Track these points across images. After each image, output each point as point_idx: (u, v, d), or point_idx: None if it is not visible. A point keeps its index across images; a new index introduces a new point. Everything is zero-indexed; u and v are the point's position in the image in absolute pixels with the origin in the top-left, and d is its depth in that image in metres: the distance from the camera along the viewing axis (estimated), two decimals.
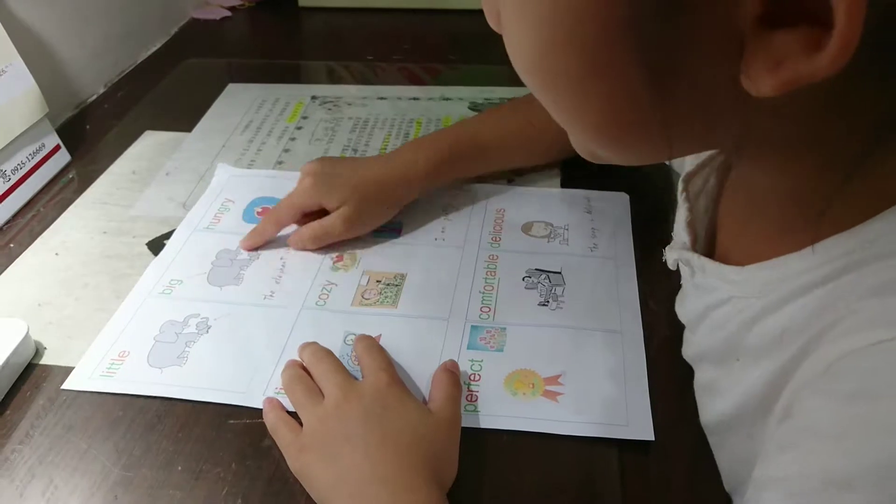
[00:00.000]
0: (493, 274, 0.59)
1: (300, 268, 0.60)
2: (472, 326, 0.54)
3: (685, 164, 0.49)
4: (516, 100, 0.68)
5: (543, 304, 0.56)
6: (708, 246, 0.43)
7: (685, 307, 0.45)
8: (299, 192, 0.61)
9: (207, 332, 0.54)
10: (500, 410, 0.48)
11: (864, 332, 0.26)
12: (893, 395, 0.24)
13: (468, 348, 0.52)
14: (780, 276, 0.33)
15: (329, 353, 0.50)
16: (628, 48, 0.26)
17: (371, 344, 0.51)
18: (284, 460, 0.45)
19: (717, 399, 0.40)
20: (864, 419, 0.25)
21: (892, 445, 0.23)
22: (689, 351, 0.46)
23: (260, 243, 0.62)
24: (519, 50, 0.30)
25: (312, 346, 0.50)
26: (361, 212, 0.60)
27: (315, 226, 0.61)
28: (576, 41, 0.27)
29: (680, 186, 0.43)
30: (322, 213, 0.61)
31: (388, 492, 0.40)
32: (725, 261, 0.38)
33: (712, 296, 0.39)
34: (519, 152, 0.68)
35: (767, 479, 0.27)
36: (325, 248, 0.62)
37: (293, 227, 0.63)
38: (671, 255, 0.43)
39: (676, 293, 0.50)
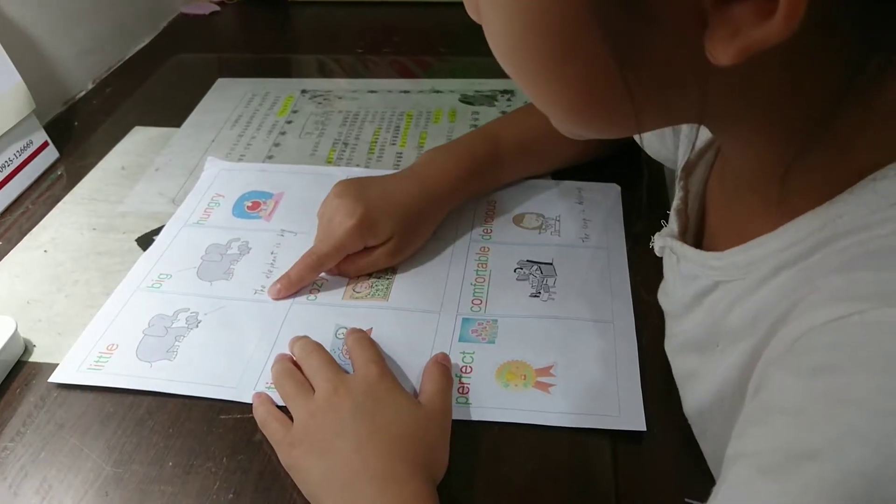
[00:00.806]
0: (484, 266, 0.59)
1: (291, 262, 0.59)
2: (464, 319, 0.54)
3: (679, 155, 0.49)
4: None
5: (535, 296, 0.56)
6: (698, 234, 0.43)
7: (670, 296, 0.45)
8: (343, 235, 0.55)
9: (197, 326, 0.54)
10: (492, 402, 0.48)
11: (824, 309, 0.26)
12: (852, 368, 0.25)
13: (460, 340, 0.52)
14: (756, 257, 0.33)
15: (319, 347, 0.50)
16: (594, 30, 0.27)
17: (362, 337, 0.50)
18: (276, 455, 0.45)
19: (697, 387, 0.40)
20: (824, 393, 0.25)
21: (851, 417, 0.24)
22: (672, 343, 0.46)
23: (295, 290, 0.56)
24: (496, 38, 0.31)
25: (303, 341, 0.50)
26: (406, 244, 0.58)
27: (362, 264, 0.57)
28: (544, 27, 0.28)
29: (679, 175, 0.43)
30: None
31: (377, 485, 0.40)
32: (714, 247, 0.38)
33: (698, 283, 0.39)
34: (554, 154, 0.67)
35: (737, 454, 0.28)
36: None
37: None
38: (658, 242, 0.43)
39: None
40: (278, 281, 0.56)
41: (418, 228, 0.59)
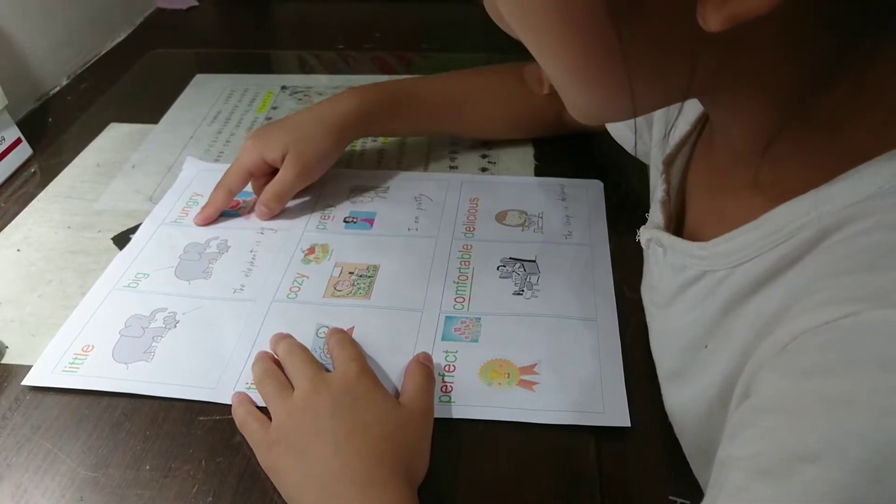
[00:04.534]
0: (467, 264, 0.58)
1: (271, 261, 0.59)
2: (447, 317, 0.53)
3: (662, 149, 0.49)
4: (483, 68, 0.71)
5: (518, 294, 0.55)
6: (678, 225, 0.43)
7: (656, 288, 0.45)
8: (241, 155, 0.62)
9: (175, 326, 0.53)
10: (476, 401, 0.47)
11: (817, 311, 0.26)
12: (845, 370, 0.25)
13: (442, 339, 0.52)
14: (739, 246, 0.34)
15: (302, 346, 0.49)
16: None
17: (343, 337, 0.50)
18: (255, 457, 0.44)
19: (684, 387, 0.40)
20: (819, 394, 0.25)
21: (850, 418, 0.24)
22: (657, 340, 0.46)
23: (215, 215, 0.62)
24: (507, 4, 0.32)
25: (286, 341, 0.50)
26: (305, 152, 0.61)
27: (270, 186, 0.62)
28: None
29: (659, 168, 0.43)
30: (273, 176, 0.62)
31: (356, 488, 0.39)
32: (698, 237, 0.38)
33: (686, 273, 0.39)
34: (480, 113, 0.69)
35: (730, 458, 0.28)
36: (295, 239, 0.61)
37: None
38: (644, 235, 0.43)
39: None
40: (201, 210, 0.62)
41: (319, 143, 0.62)
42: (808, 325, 0.26)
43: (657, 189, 0.43)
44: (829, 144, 0.30)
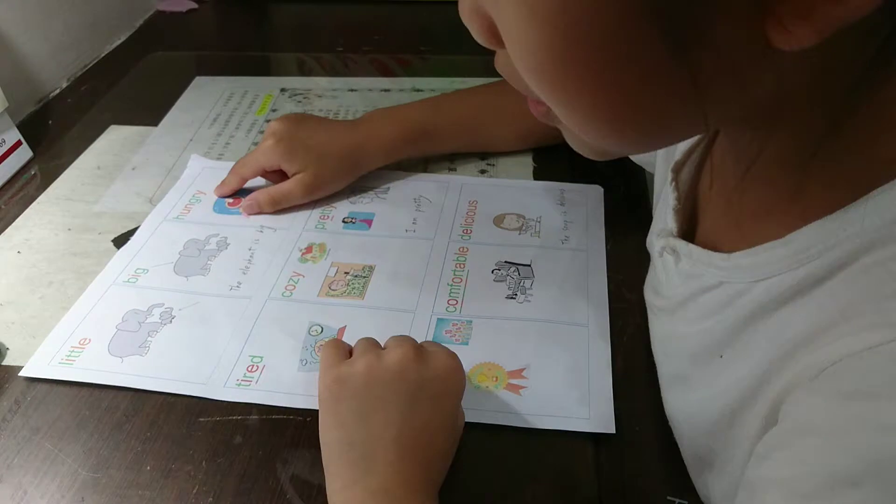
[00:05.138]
0: (462, 266, 0.59)
1: (268, 259, 0.59)
2: (439, 319, 0.54)
3: (669, 156, 0.49)
4: (487, 88, 0.70)
5: (511, 298, 0.55)
6: (689, 231, 0.42)
7: (663, 294, 0.44)
8: (262, 151, 0.63)
9: (171, 321, 0.53)
10: (462, 403, 0.47)
11: (857, 337, 0.26)
12: (890, 395, 0.25)
13: (433, 341, 0.52)
14: (762, 262, 0.33)
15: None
16: (650, 23, 0.24)
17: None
18: (256, 457, 0.44)
19: (689, 393, 0.40)
20: (862, 417, 0.25)
21: (891, 443, 0.24)
22: (661, 343, 0.46)
23: (228, 193, 0.65)
24: (528, 55, 0.28)
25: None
26: (321, 178, 0.63)
27: (273, 190, 0.63)
28: (594, 30, 0.25)
29: (669, 176, 0.43)
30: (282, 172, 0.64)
31: (404, 490, 0.38)
32: (710, 247, 0.38)
33: (700, 281, 0.38)
34: (489, 134, 0.70)
35: (762, 480, 0.27)
36: (293, 238, 0.61)
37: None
38: (658, 243, 0.42)
39: None
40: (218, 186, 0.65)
41: (335, 172, 0.64)
42: (849, 349, 0.26)
43: (667, 196, 0.43)
44: (859, 161, 0.29)
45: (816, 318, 0.29)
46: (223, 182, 0.65)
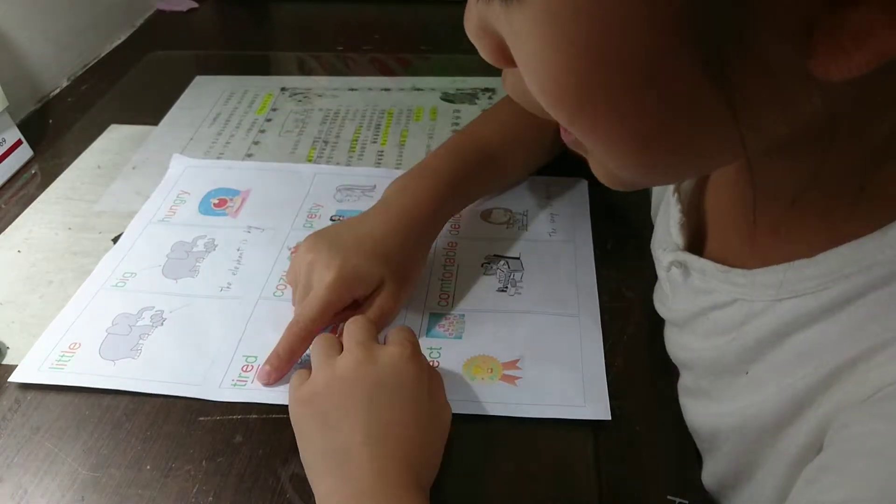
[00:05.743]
0: (452, 261, 0.59)
1: (258, 259, 0.59)
2: (431, 314, 0.54)
3: None
4: (501, 116, 0.63)
5: (502, 290, 0.56)
6: (694, 245, 0.42)
7: (670, 306, 0.44)
8: (327, 293, 0.49)
9: (162, 324, 0.53)
10: (459, 395, 0.48)
11: None
12: None
13: (427, 336, 0.52)
14: (788, 280, 0.32)
15: (367, 318, 0.48)
16: (690, 48, 0.23)
17: (403, 327, 0.48)
18: (256, 457, 0.44)
19: (711, 406, 0.39)
20: None
21: None
22: (675, 352, 0.46)
23: (288, 369, 0.49)
24: (548, 79, 0.26)
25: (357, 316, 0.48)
26: (403, 283, 0.52)
27: (372, 317, 0.50)
28: (625, 50, 0.24)
29: (671, 188, 0.43)
30: None
31: (380, 483, 0.38)
32: (718, 261, 0.37)
33: (712, 297, 0.38)
34: (528, 156, 0.64)
35: (813, 503, 0.27)
36: (282, 237, 0.61)
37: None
38: (665, 258, 0.41)
39: (650, 281, 0.50)
40: (266, 362, 0.49)
41: (410, 263, 0.53)
42: None
43: (669, 207, 0.42)
44: (893, 181, 0.29)
45: (857, 339, 0.29)
46: (283, 354, 0.49)
